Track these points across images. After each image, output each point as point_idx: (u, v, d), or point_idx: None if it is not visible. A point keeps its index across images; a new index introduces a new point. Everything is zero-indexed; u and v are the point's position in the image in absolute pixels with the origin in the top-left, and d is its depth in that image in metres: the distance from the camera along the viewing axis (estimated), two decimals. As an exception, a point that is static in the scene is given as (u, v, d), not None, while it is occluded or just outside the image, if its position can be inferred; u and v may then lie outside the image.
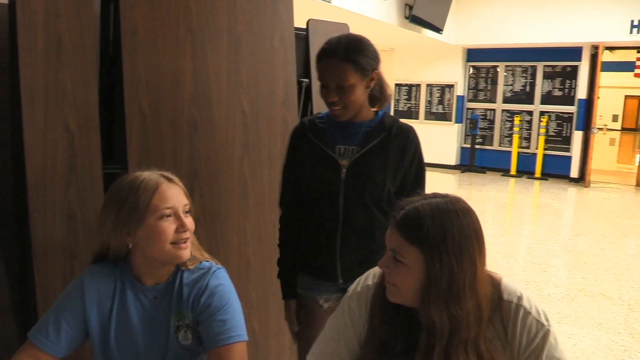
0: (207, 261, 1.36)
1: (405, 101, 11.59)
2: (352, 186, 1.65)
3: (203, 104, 2.05)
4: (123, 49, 1.84)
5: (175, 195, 1.27)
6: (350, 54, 1.58)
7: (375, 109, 1.75)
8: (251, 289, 2.24)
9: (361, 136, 1.67)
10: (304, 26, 2.47)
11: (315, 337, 1.76)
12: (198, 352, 1.34)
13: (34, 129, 1.68)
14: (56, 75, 1.71)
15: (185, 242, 1.28)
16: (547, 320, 1.11)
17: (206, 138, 2.06)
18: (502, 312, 1.11)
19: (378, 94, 1.71)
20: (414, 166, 1.71)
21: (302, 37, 2.45)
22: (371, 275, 1.26)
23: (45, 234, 1.71)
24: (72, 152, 1.75)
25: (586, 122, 9.89)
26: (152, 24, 1.90)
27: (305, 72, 2.50)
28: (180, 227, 1.26)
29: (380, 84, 1.70)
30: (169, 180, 1.29)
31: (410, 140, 1.69)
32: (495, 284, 1.13)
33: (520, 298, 1.12)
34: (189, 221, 1.29)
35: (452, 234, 1.04)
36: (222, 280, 1.33)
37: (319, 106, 2.47)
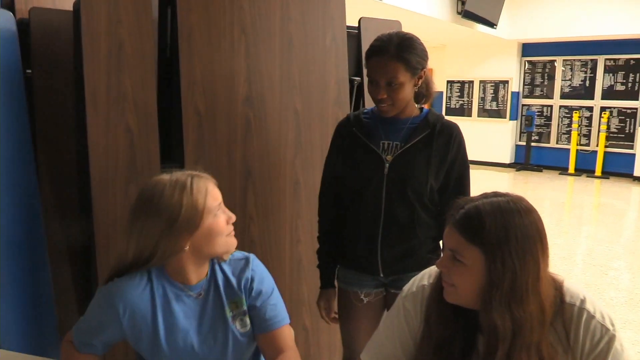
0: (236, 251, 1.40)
1: (458, 98, 11.35)
2: (394, 181, 1.67)
3: (256, 104, 2.08)
4: (180, 51, 1.90)
5: (218, 191, 1.31)
6: (401, 52, 1.59)
7: (421, 106, 1.77)
8: (303, 286, 2.26)
9: (405, 132, 1.69)
10: (356, 24, 2.46)
11: (356, 330, 1.78)
12: (252, 338, 1.37)
13: (97, 130, 1.75)
14: (117, 79, 1.78)
15: (232, 232, 1.33)
16: (612, 324, 1.07)
17: (259, 137, 2.10)
18: (564, 315, 1.07)
19: (424, 91, 1.74)
20: (458, 163, 1.71)
21: (354, 36, 2.45)
22: (427, 275, 1.24)
23: (108, 230, 1.79)
24: (132, 152, 1.82)
25: (652, 118, 9.41)
26: (207, 26, 1.95)
27: (357, 70, 2.49)
28: (229, 219, 1.31)
29: (427, 81, 1.72)
30: (208, 178, 1.31)
31: (454, 138, 1.70)
32: (557, 286, 1.09)
33: (583, 301, 1.08)
34: None
35: (514, 234, 1.01)
36: (262, 266, 1.39)
37: (371, 105, 2.46)
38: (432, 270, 1.23)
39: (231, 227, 1.32)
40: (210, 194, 1.27)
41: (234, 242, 1.33)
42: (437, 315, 1.14)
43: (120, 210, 1.80)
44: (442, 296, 1.12)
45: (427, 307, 1.18)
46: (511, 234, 1.01)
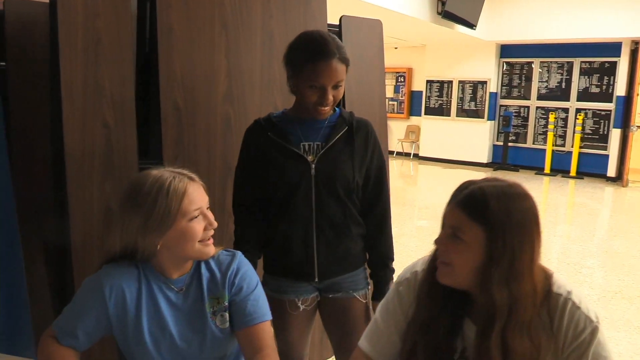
0: (224, 249, 1.42)
1: (437, 98, 11.45)
2: (323, 181, 1.64)
3: (236, 101, 2.07)
4: (159, 47, 1.87)
5: (201, 195, 1.31)
6: (342, 52, 1.57)
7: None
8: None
9: (324, 131, 1.67)
10: (337, 22, 2.46)
11: (293, 338, 1.74)
12: (232, 335, 1.37)
13: (73, 125, 1.72)
14: (95, 73, 1.75)
15: (210, 239, 1.32)
16: (596, 317, 1.12)
17: (239, 133, 2.07)
18: (550, 303, 1.12)
19: None
20: (376, 157, 1.72)
21: (335, 34, 2.43)
22: (419, 262, 1.28)
23: (83, 227, 1.76)
24: (109, 148, 1.79)
25: (625, 120, 9.60)
26: (187, 22, 1.93)
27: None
28: (209, 225, 1.31)
29: None
30: (192, 180, 1.31)
31: (370, 133, 1.71)
32: (547, 276, 1.14)
33: (569, 292, 1.13)
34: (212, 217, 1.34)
35: (516, 216, 1.07)
36: (248, 264, 1.40)
37: (350, 101, 2.46)
38: (424, 258, 1.26)
39: (209, 233, 1.32)
40: (188, 197, 1.27)
41: (209, 250, 1.33)
42: (426, 296, 1.19)
43: (97, 207, 1.78)
44: (433, 278, 1.16)
45: (418, 288, 1.22)
46: (513, 215, 1.07)
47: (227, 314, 1.35)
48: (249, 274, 1.38)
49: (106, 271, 1.31)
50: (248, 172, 1.72)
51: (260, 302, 1.37)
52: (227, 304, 1.35)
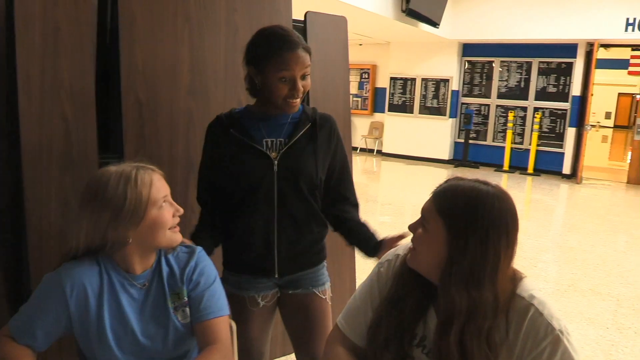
0: (183, 244, 1.42)
1: (400, 95, 11.58)
2: (285, 177, 1.63)
3: (200, 95, 2.05)
4: (121, 39, 1.84)
5: (164, 184, 1.34)
6: (303, 42, 1.60)
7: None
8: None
9: (287, 128, 1.66)
10: (302, 18, 2.47)
11: (254, 334, 1.74)
12: (192, 330, 1.38)
13: (31, 119, 1.68)
14: (53, 65, 1.70)
15: (177, 226, 1.35)
16: (559, 326, 1.05)
17: (202, 129, 2.05)
18: (509, 306, 1.08)
19: None
20: (339, 152, 1.74)
21: (300, 29, 2.45)
22: (402, 247, 1.30)
23: (41, 223, 1.71)
24: (68, 142, 1.75)
25: (579, 119, 9.94)
26: (150, 14, 1.90)
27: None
28: (176, 212, 1.34)
29: None
30: (154, 170, 1.33)
31: (333, 128, 1.73)
32: (515, 280, 1.12)
33: (532, 297, 1.08)
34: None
35: (482, 221, 1.05)
36: (207, 260, 1.42)
37: (315, 97, 2.47)
38: (409, 243, 1.26)
39: (177, 220, 1.34)
40: (154, 186, 1.29)
41: (178, 237, 1.36)
42: (399, 275, 1.21)
43: (55, 203, 1.74)
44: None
45: (396, 268, 1.24)
46: (479, 219, 1.05)
47: (187, 309, 1.36)
48: (207, 270, 1.39)
49: (67, 268, 1.29)
50: (211, 168, 1.70)
51: (216, 297, 1.38)
52: (186, 299, 1.36)
